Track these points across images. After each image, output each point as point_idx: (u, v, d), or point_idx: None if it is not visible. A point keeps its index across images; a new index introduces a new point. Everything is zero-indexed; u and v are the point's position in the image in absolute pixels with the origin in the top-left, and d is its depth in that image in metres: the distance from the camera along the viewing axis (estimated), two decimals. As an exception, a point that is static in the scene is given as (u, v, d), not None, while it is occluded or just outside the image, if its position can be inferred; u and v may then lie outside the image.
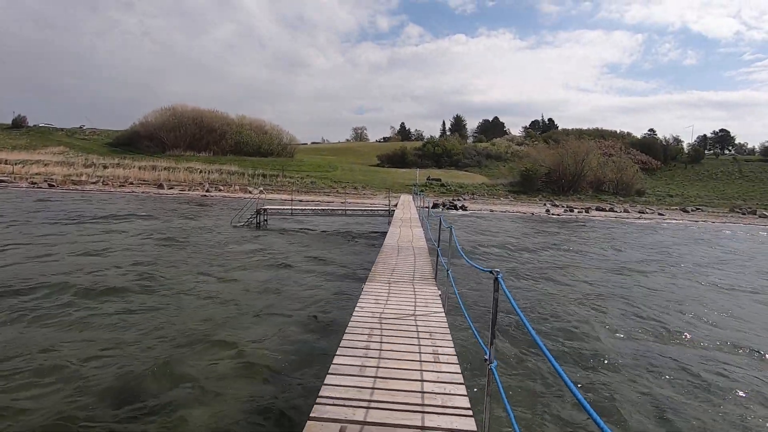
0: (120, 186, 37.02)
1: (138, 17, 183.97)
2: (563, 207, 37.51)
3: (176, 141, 54.71)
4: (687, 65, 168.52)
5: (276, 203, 28.07)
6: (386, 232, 12.35)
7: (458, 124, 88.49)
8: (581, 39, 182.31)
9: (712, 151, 74.15)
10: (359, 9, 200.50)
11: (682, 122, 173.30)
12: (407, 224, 13.84)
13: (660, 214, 36.87)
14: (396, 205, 23.45)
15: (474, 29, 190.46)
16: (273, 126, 63.11)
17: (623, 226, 27.52)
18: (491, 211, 33.73)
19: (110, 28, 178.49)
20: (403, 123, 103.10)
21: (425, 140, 69.49)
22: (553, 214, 33.47)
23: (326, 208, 19.25)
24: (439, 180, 45.79)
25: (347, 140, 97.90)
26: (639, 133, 75.73)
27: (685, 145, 73.44)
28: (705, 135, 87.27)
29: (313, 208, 19.32)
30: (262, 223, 19.60)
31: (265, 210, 19.52)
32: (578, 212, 35.46)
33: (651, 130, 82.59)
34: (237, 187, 38.47)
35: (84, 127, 64.81)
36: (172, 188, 37.47)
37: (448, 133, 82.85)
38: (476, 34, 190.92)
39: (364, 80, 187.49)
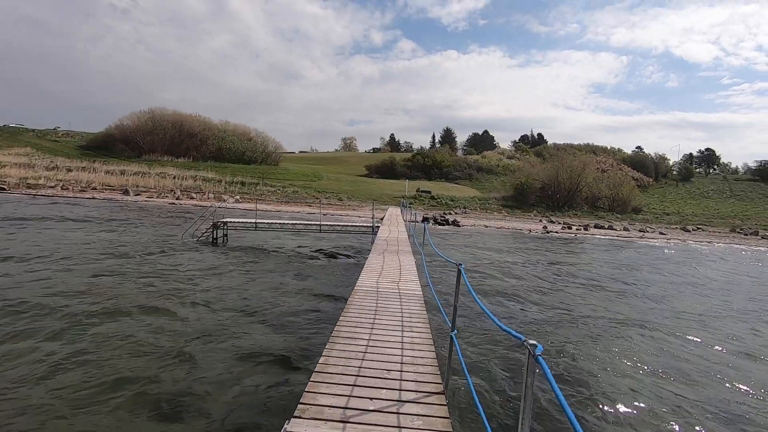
0: (80, 191, 32.97)
1: (133, 24, 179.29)
2: (560, 224, 34.52)
3: (153, 145, 50.79)
4: (669, 87, 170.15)
5: (248, 215, 24.53)
6: (366, 258, 8.92)
7: (448, 136, 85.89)
8: (569, 59, 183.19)
9: (700, 170, 72.77)
10: (355, 24, 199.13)
11: (665, 142, 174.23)
12: (393, 249, 10.40)
13: (661, 233, 34.07)
14: (383, 219, 20.04)
15: (466, 46, 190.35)
16: (258, 133, 59.58)
17: (642, 251, 24.44)
18: (485, 226, 30.51)
19: (104, 35, 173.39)
20: (392, 134, 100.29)
21: (415, 151, 66.52)
22: (551, 232, 30.37)
23: (298, 222, 15.71)
24: (429, 192, 42.58)
25: (336, 150, 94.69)
26: (627, 150, 74.23)
27: (671, 164, 72.05)
28: (691, 154, 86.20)
29: (283, 222, 15.75)
30: (221, 239, 16.01)
31: (224, 224, 15.93)
32: (577, 230, 32.43)
33: (638, 147, 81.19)
34: (211, 195, 34.67)
35: (58, 129, 60.33)
36: (139, 195, 33.51)
37: (437, 145, 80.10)
38: (468, 51, 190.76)
39: (357, 93, 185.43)
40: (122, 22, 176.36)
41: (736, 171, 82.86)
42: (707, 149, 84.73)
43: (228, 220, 15.96)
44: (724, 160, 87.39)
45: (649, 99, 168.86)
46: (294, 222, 15.74)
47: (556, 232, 30.55)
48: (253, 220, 15.38)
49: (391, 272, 7.51)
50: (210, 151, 52.18)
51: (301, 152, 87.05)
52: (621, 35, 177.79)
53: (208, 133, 53.94)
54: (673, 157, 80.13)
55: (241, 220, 16.07)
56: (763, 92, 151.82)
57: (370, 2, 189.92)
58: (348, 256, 14.18)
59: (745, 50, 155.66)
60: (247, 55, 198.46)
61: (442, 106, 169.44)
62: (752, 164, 72.29)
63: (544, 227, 32.11)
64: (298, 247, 15.45)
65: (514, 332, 2.06)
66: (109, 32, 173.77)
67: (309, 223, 15.71)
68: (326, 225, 15.50)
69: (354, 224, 15.82)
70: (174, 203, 30.93)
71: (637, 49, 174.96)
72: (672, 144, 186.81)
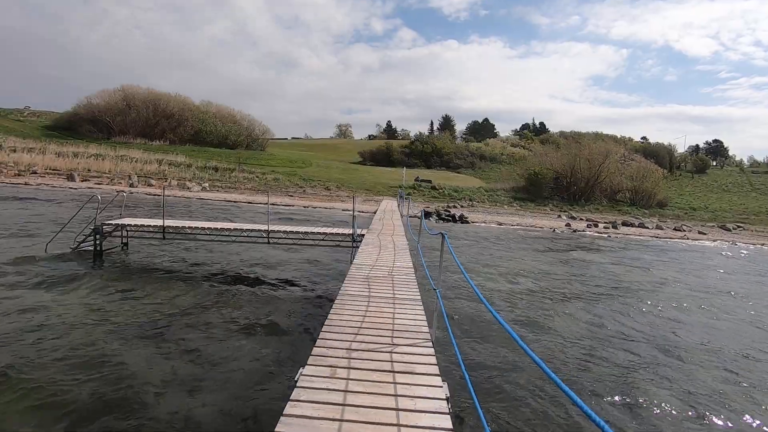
0: (15, 175, 26.52)
1: (131, 9, 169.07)
2: (584, 220, 28.47)
3: (125, 126, 44.06)
4: (668, 81, 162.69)
5: (206, 204, 18.43)
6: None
7: (447, 124, 79.12)
8: (569, 51, 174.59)
9: (716, 162, 66.89)
10: (355, 12, 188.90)
11: (662, 134, 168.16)
12: (383, 315, 4.22)
13: (701, 232, 28.06)
14: (374, 214, 13.89)
15: (466, 36, 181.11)
16: (244, 116, 52.81)
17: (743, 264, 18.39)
18: (499, 224, 24.43)
19: (101, 20, 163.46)
20: (389, 122, 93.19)
21: (413, 138, 59.98)
22: (577, 231, 24.35)
23: (235, 228, 9.52)
24: (430, 182, 36.31)
25: (331, 137, 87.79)
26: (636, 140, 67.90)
27: (677, 155, 66.05)
28: (697, 145, 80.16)
29: (208, 226, 9.56)
30: (119, 250, 9.88)
31: (121, 227, 9.70)
32: (604, 227, 26.37)
33: (644, 138, 74.89)
34: (174, 182, 28.29)
35: (27, 108, 53.37)
36: (86, 180, 27.13)
37: (436, 132, 73.42)
38: (468, 41, 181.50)
39: (356, 82, 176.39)
40: (119, 6, 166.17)
41: (740, 164, 77.11)
42: (715, 141, 78.43)
43: (126, 222, 9.72)
44: (731, 152, 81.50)
45: (648, 92, 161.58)
46: (227, 227, 9.52)
47: (583, 231, 24.56)
48: (160, 222, 9.14)
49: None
50: (189, 134, 45.60)
51: (294, 138, 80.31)
52: (621, 28, 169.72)
53: (187, 114, 47.20)
54: (680, 149, 74.27)
55: (144, 222, 9.84)
56: (760, 86, 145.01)
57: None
58: (308, 301, 8.00)
59: (743, 45, 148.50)
60: (245, 43, 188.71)
61: (441, 96, 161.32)
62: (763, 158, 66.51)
63: (568, 225, 26.05)
64: (236, 264, 9.30)
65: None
66: (106, 17, 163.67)
67: (252, 228, 9.48)
68: (278, 232, 9.29)
69: (323, 231, 9.62)
70: (122, 191, 24.50)
71: (637, 43, 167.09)
72: (669, 136, 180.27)
